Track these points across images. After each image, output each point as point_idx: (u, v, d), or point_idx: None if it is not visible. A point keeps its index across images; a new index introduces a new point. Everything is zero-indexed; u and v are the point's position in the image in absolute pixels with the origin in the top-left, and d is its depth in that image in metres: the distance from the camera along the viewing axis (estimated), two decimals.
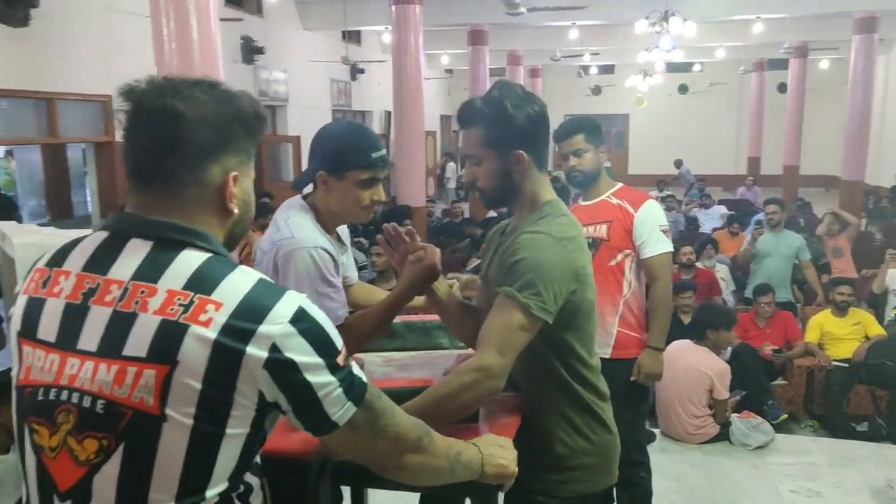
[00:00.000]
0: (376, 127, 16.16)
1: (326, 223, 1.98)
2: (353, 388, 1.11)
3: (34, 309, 1.10)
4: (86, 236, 1.15)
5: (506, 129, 1.68)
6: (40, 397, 1.08)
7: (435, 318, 2.25)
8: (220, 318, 1.01)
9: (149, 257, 1.06)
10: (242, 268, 1.09)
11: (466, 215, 11.27)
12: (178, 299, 1.02)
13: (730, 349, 5.03)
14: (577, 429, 1.76)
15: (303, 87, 12.40)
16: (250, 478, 1.14)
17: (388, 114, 15.10)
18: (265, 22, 11.26)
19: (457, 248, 8.45)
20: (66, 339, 1.06)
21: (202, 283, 1.03)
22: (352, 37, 14.14)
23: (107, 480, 1.03)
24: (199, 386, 1.00)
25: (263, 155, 11.89)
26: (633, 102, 20.08)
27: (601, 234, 2.95)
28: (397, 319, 2.18)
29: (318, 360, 1.06)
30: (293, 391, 1.05)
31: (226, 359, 1.01)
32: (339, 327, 1.15)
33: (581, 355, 1.76)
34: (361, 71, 14.21)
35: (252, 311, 1.02)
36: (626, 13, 11.84)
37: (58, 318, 1.07)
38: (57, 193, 9.24)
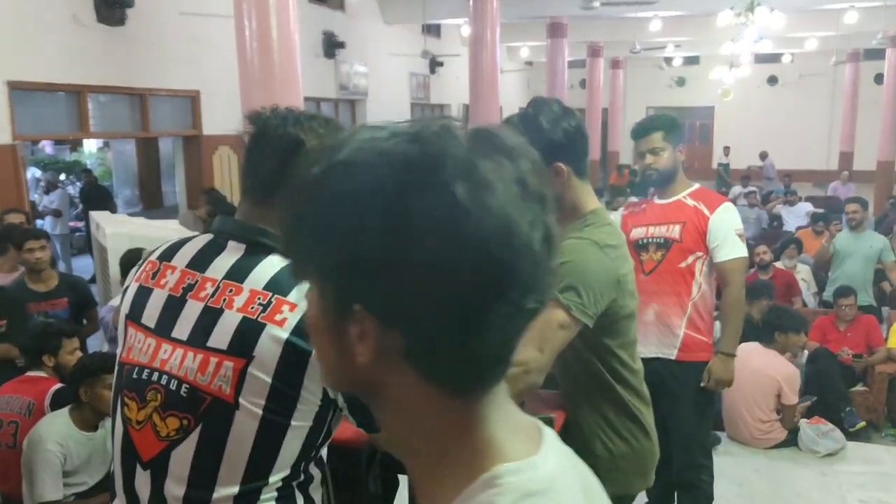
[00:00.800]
0: None
1: None
2: None
3: (142, 296, 1.25)
4: (195, 236, 1.30)
5: (542, 143, 1.72)
6: (135, 375, 1.22)
7: None
8: (293, 318, 1.12)
9: (240, 259, 1.20)
10: None
11: None
12: (259, 298, 1.14)
13: (806, 353, 4.89)
14: (618, 432, 1.80)
15: (382, 80, 12.59)
16: (313, 469, 1.24)
17: (467, 107, 15.17)
18: (347, 16, 11.48)
19: None
20: (163, 327, 1.21)
21: (280, 285, 1.15)
22: (431, 30, 14.25)
23: (183, 456, 1.16)
24: (269, 380, 1.12)
25: None
26: (718, 94, 19.50)
27: (674, 235, 2.92)
28: None
29: None
30: None
31: (295, 356, 1.11)
32: None
33: (623, 359, 1.79)
34: (440, 64, 14.32)
35: None
36: (710, 3, 11.53)
37: (160, 307, 1.22)
38: (148, 184, 9.73)
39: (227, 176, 8.49)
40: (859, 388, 5.17)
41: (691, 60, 21.33)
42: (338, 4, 11.36)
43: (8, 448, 3.12)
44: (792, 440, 4.23)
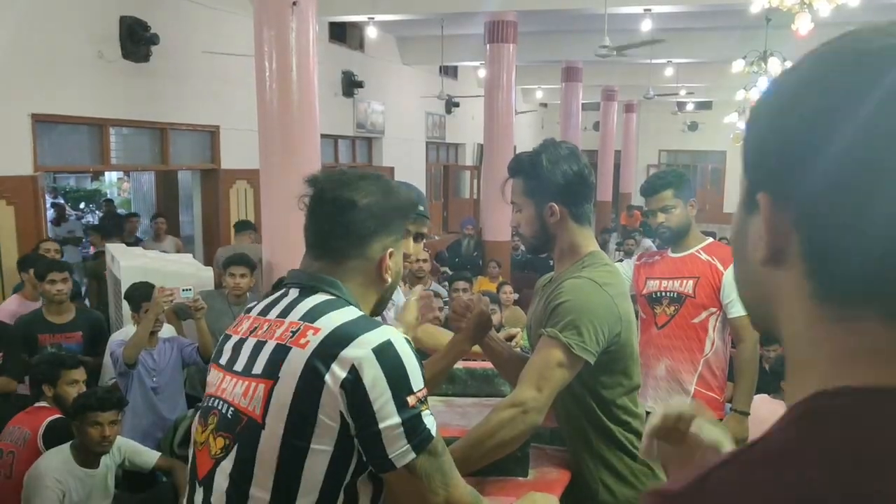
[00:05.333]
0: (468, 159, 16.42)
1: None
2: (417, 434, 1.19)
3: (224, 343, 1.40)
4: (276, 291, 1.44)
5: (540, 181, 1.80)
6: (206, 404, 1.36)
7: None
8: (315, 340, 1.20)
9: (293, 301, 1.32)
10: (353, 309, 1.29)
11: None
12: (292, 328, 1.25)
13: None
14: (622, 477, 1.80)
15: (399, 119, 12.77)
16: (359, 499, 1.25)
17: (481, 146, 15.32)
18: (366, 57, 11.69)
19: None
20: (230, 363, 1.34)
21: (312, 314, 1.25)
22: (448, 71, 14.46)
23: (223, 473, 1.26)
24: (289, 401, 1.18)
25: None
26: (730, 139, 19.59)
27: (687, 290, 2.92)
28: (459, 365, 2.29)
29: (387, 392, 1.17)
30: (359, 417, 1.17)
31: (312, 377, 1.17)
32: None
33: (625, 404, 1.81)
34: (456, 104, 14.51)
35: (343, 336, 1.20)
36: (723, 51, 11.67)
37: (231, 349, 1.36)
38: (167, 214, 9.82)
39: (243, 210, 8.60)
40: None
41: (704, 105, 21.47)
42: (357, 45, 11.58)
43: (5, 478, 3.15)
44: None
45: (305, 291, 1.33)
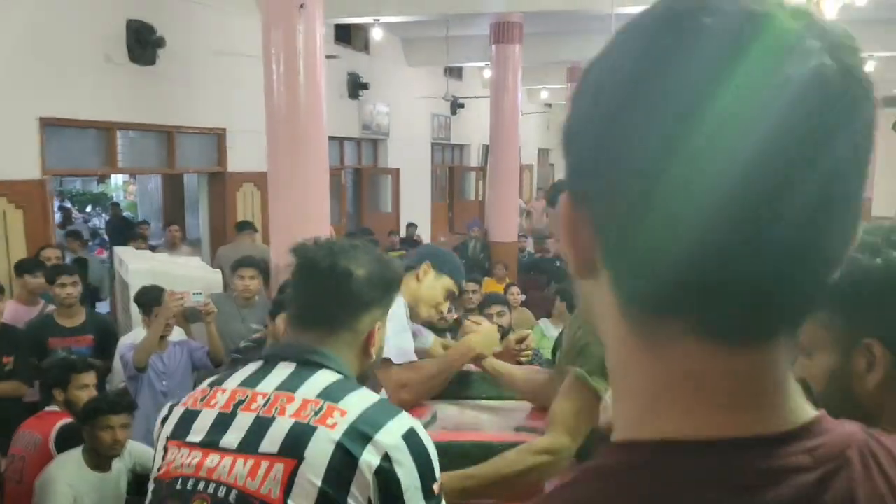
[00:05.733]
0: (473, 160, 16.41)
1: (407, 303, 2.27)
2: None
3: (188, 418, 1.25)
4: (248, 364, 1.33)
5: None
6: (178, 486, 1.20)
7: None
8: (344, 423, 1.14)
9: (292, 374, 1.24)
10: (365, 389, 1.25)
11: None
12: (311, 406, 1.17)
13: None
14: None
15: (404, 120, 12.76)
16: None
17: (486, 147, 15.31)
18: (371, 58, 11.68)
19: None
20: (211, 440, 1.20)
21: (332, 394, 1.19)
22: (453, 72, 14.46)
23: None
24: (318, 483, 1.11)
25: (363, 186, 12.30)
26: None
27: None
28: (472, 367, 2.30)
29: (417, 482, 1.15)
30: (388, 499, 1.14)
31: (344, 460, 1.12)
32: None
33: None
34: (462, 105, 14.50)
35: (371, 421, 1.16)
36: None
37: (208, 424, 1.22)
38: (173, 217, 9.83)
39: (250, 212, 8.60)
40: None
41: None
42: (362, 47, 11.58)
43: (16, 483, 3.15)
44: None
45: (306, 367, 1.25)
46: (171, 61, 7.31)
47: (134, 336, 4.22)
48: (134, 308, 4.50)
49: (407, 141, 12.87)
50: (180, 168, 8.15)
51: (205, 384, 1.33)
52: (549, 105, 20.48)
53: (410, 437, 1.17)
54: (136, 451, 3.38)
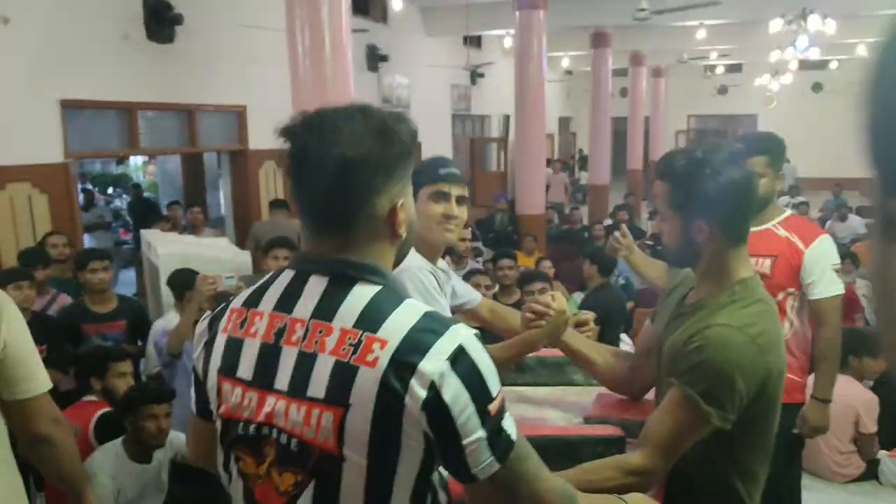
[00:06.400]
0: (494, 131, 16.18)
1: (424, 252, 2.01)
2: (500, 443, 1.06)
3: (233, 348, 1.18)
4: (275, 276, 1.21)
5: (691, 193, 1.53)
6: (241, 431, 1.16)
7: None
8: (385, 357, 1.03)
9: (325, 294, 1.12)
10: (409, 302, 1.11)
11: (585, 221, 11.09)
12: (349, 338, 1.06)
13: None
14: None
15: (424, 92, 12.55)
16: None
17: (507, 117, 15.07)
18: (390, 30, 11.47)
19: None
20: (263, 378, 1.13)
21: (370, 319, 1.07)
22: (472, 41, 14.19)
23: None
24: (368, 427, 1.04)
25: None
26: (761, 102, 19.16)
27: (764, 270, 2.69)
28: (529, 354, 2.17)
29: (469, 406, 1.03)
30: (442, 434, 1.05)
31: (390, 400, 1.03)
32: None
33: (750, 466, 1.60)
34: (481, 75, 14.25)
35: (414, 347, 1.03)
36: (759, 11, 11.30)
37: (254, 358, 1.15)
38: (194, 197, 9.75)
39: (272, 190, 8.49)
40: None
41: (734, 68, 20.98)
42: (381, 17, 11.35)
43: None
44: (870, 473, 4.03)
45: (339, 282, 1.12)
46: (189, 38, 7.18)
47: (166, 321, 4.13)
48: (164, 292, 4.41)
49: (427, 113, 12.65)
50: (202, 147, 8.05)
51: (238, 302, 1.22)
52: (570, 73, 20.15)
53: (458, 358, 1.03)
54: (176, 440, 3.30)
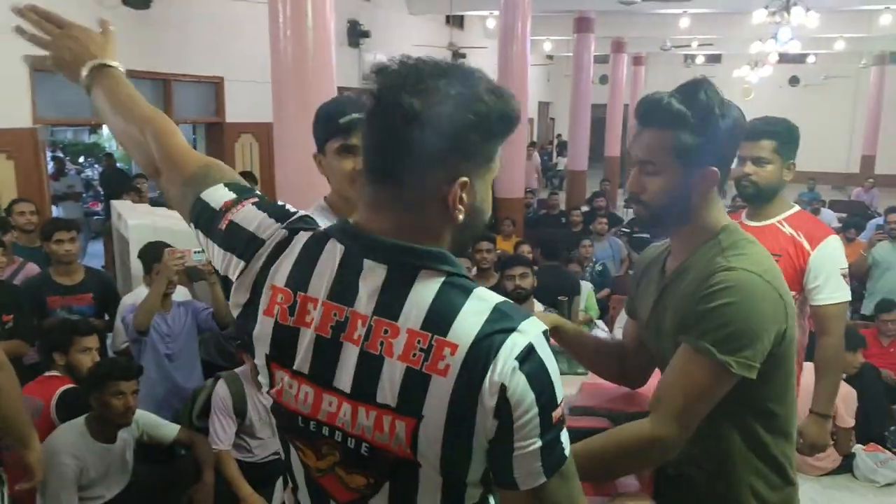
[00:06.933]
0: None
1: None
2: (552, 455, 0.99)
3: (285, 337, 1.07)
4: (320, 245, 1.08)
5: (707, 139, 1.40)
6: (300, 424, 1.09)
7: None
8: (456, 364, 0.96)
9: (386, 287, 1.01)
10: (477, 293, 1.01)
11: (563, 207, 11.05)
12: (419, 342, 0.98)
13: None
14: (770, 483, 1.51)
15: None
16: None
17: None
18: (372, 6, 11.29)
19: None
20: (321, 375, 1.05)
21: (438, 319, 0.98)
22: (455, 21, 14.04)
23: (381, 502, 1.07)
24: (441, 435, 0.98)
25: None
26: (739, 94, 19.20)
27: None
28: None
29: (534, 411, 0.96)
30: (499, 434, 0.97)
31: (462, 410, 0.96)
32: None
33: (774, 411, 1.49)
34: (463, 56, 14.10)
35: (485, 350, 0.95)
36: (743, 1, 11.29)
37: (310, 350, 1.05)
38: None
39: (248, 164, 8.33)
40: None
41: (713, 59, 21.03)
42: None
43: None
44: (846, 467, 4.04)
45: (400, 271, 1.01)
46: (166, 5, 6.99)
47: (135, 296, 4.01)
48: (134, 264, 4.27)
49: None
50: (177, 118, 7.82)
51: (279, 279, 1.08)
52: (551, 57, 20.06)
53: (528, 359, 0.96)
54: (143, 419, 3.20)
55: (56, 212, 8.22)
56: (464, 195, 1.02)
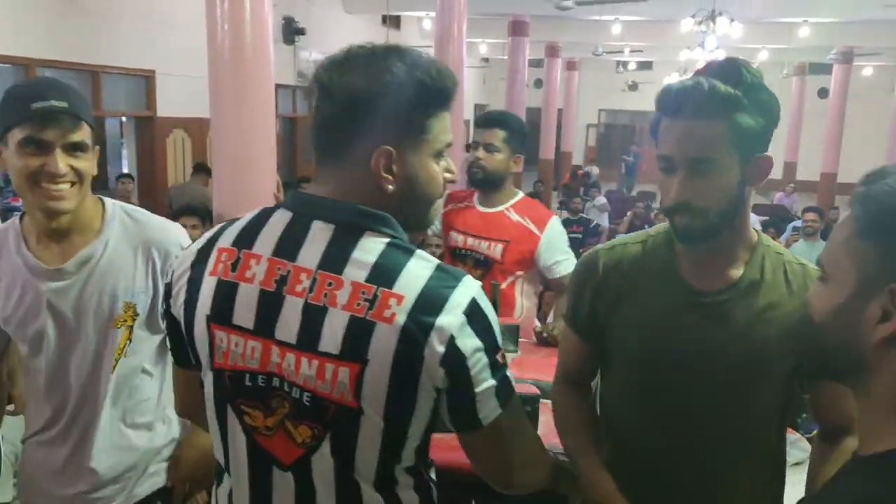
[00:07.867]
0: None
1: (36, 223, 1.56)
2: (504, 389, 1.09)
3: (226, 293, 1.10)
4: (267, 214, 1.13)
5: (766, 122, 1.23)
6: (248, 382, 1.11)
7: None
8: (402, 313, 1.01)
9: (332, 244, 1.06)
10: (419, 254, 1.07)
11: None
12: (363, 293, 1.02)
13: None
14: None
15: None
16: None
17: None
18: (307, 3, 11.22)
19: None
20: (265, 327, 1.07)
21: (383, 274, 1.03)
22: (392, 21, 14.05)
23: (323, 460, 1.10)
24: (386, 381, 1.02)
25: (299, 136, 11.91)
26: None
27: (495, 255, 2.66)
28: None
29: (483, 357, 1.05)
30: (456, 384, 1.05)
31: (409, 356, 1.02)
32: None
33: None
34: None
35: (431, 302, 1.02)
36: (672, 10, 11.66)
37: (253, 305, 1.08)
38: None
39: (180, 159, 8.19)
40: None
41: (644, 65, 21.62)
42: None
43: None
44: None
45: (346, 231, 1.06)
46: None
47: None
48: None
49: None
50: (107, 111, 7.68)
51: (225, 241, 1.13)
52: (487, 60, 20.27)
53: (473, 311, 1.04)
54: None
55: None
56: (394, 166, 1.07)
